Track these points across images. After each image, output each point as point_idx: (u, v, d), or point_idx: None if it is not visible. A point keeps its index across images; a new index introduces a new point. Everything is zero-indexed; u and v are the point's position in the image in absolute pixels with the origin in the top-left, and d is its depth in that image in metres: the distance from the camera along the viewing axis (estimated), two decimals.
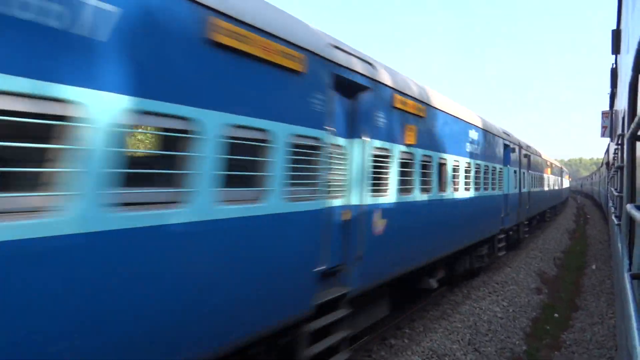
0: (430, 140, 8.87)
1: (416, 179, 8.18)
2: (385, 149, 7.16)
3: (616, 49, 10.14)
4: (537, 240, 22.24)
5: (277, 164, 4.81)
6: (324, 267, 5.75)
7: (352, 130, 6.50)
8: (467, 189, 11.10)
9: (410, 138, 7.95)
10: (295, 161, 5.12)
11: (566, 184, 55.18)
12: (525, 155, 19.79)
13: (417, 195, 8.25)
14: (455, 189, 10.31)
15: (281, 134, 4.86)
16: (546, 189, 27.77)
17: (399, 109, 7.57)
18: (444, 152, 9.61)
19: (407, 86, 8.00)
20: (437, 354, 7.68)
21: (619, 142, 6.07)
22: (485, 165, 12.74)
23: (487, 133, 13.12)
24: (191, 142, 3.91)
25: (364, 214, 6.56)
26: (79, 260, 3.14)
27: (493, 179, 13.74)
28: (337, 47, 6.02)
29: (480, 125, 12.43)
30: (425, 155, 8.57)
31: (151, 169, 4.13)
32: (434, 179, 9.00)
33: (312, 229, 5.48)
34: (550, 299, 12.69)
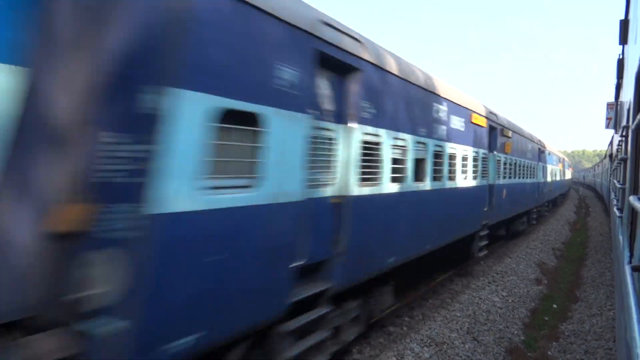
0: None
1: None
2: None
3: (623, 39, 10.03)
4: (538, 231, 22.24)
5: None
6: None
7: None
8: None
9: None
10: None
11: (569, 175, 55.50)
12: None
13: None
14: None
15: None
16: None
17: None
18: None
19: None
20: (436, 342, 7.71)
21: (624, 133, 6.02)
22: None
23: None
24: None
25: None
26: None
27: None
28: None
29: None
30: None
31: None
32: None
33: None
34: (549, 289, 12.72)
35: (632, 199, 2.51)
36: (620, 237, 5.14)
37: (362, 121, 6.41)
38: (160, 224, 3.58)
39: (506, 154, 15.87)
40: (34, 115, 3.68)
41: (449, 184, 10.03)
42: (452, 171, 10.22)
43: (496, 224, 15.30)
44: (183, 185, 3.75)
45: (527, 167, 20.04)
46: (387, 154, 7.14)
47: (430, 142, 8.97)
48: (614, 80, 16.91)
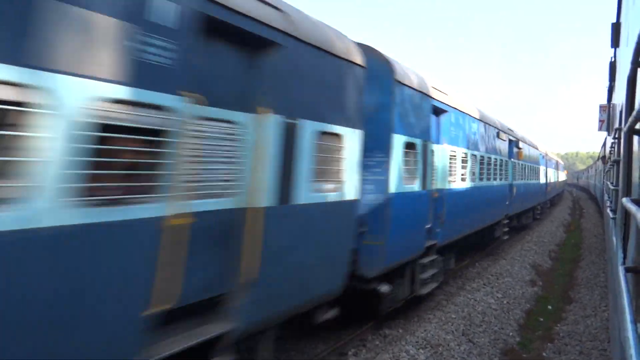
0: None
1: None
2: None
3: (615, 42, 10.12)
4: (533, 233, 22.33)
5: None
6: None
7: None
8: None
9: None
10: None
11: (563, 177, 55.90)
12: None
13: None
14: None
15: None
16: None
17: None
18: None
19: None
20: (431, 344, 7.72)
21: (616, 135, 6.07)
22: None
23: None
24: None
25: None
26: None
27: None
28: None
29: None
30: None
31: None
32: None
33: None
34: (544, 291, 12.77)
35: (625, 200, 2.54)
36: (614, 239, 5.17)
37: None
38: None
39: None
40: None
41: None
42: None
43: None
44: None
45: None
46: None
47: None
48: (607, 83, 17.02)
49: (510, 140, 17.82)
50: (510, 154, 17.80)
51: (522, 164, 20.39)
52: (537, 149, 25.88)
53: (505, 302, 10.84)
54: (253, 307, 4.73)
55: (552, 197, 37.37)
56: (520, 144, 19.82)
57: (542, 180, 28.27)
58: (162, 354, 3.76)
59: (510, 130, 18.10)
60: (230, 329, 4.46)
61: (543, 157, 28.61)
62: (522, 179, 20.33)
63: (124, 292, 3.45)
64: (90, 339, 3.25)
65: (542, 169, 27.80)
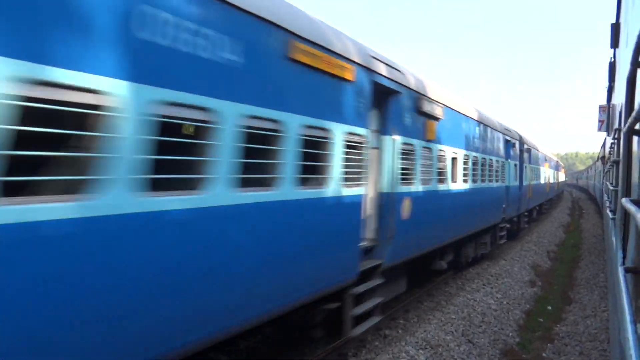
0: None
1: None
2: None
3: (615, 42, 10.13)
4: (532, 233, 22.34)
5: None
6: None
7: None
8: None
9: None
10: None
11: (560, 177, 55.78)
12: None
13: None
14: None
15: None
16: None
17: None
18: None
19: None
20: (431, 345, 7.73)
21: (616, 136, 6.09)
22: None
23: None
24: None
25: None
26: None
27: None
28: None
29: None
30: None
31: None
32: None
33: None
34: (544, 291, 12.77)
35: (624, 201, 2.54)
36: (614, 239, 5.18)
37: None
38: None
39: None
40: None
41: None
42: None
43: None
44: None
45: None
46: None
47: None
48: (606, 83, 17.07)
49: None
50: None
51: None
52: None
53: (504, 302, 10.84)
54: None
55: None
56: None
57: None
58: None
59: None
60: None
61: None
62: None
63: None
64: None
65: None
